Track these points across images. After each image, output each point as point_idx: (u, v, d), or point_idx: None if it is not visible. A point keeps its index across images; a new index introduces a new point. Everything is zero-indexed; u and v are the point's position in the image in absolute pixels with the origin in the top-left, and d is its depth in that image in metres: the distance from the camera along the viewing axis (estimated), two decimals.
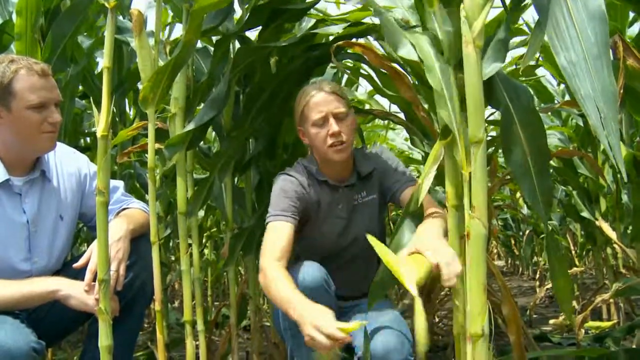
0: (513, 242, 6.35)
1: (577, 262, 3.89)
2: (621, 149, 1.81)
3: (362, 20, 2.14)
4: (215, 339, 2.99)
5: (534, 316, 3.72)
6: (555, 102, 3.12)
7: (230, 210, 2.44)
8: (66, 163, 2.01)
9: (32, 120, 1.75)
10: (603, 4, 1.28)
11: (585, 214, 3.15)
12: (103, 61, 1.64)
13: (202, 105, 2.16)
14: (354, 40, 2.14)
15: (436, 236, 1.61)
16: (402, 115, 2.54)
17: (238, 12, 2.32)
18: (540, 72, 3.07)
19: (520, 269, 6.30)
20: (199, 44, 2.47)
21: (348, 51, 2.38)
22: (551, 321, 3.47)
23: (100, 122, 1.57)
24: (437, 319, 3.06)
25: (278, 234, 1.84)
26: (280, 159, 2.57)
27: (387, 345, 1.76)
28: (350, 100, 2.56)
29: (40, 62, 1.79)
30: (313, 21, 2.28)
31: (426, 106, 1.95)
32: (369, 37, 2.26)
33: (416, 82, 1.95)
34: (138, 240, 1.95)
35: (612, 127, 1.25)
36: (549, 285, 3.37)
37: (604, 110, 1.26)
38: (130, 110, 3.41)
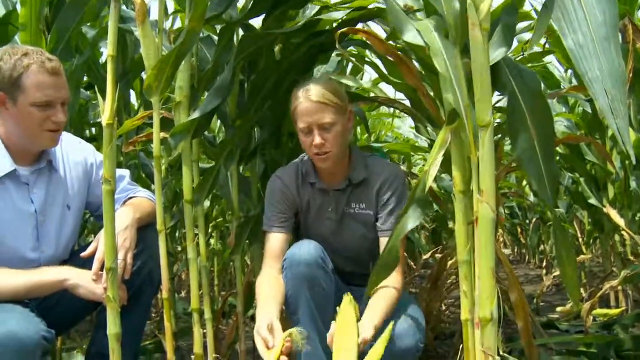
0: (520, 230, 6.33)
1: (584, 250, 3.87)
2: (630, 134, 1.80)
3: (366, 6, 2.12)
4: (223, 328, 2.99)
5: (541, 304, 3.71)
6: (562, 88, 3.09)
7: (236, 199, 2.44)
8: (73, 153, 2.01)
9: (35, 117, 1.76)
10: None
11: (593, 201, 3.13)
12: (107, 50, 1.63)
13: (207, 94, 2.16)
14: (358, 26, 2.12)
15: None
16: (407, 103, 2.53)
17: (242, 0, 2.31)
18: (547, 58, 3.03)
19: (527, 258, 6.29)
20: (203, 33, 2.45)
21: (353, 38, 2.37)
22: (558, 309, 3.46)
23: (106, 111, 1.57)
24: (444, 307, 3.05)
25: (269, 245, 2.01)
26: (286, 148, 2.56)
27: (398, 329, 1.78)
28: (356, 88, 2.56)
29: (54, 59, 1.79)
30: (317, 8, 2.27)
31: (432, 94, 1.94)
32: (372, 21, 2.24)
33: (421, 70, 1.94)
34: (145, 229, 1.96)
35: (620, 110, 1.24)
36: (556, 274, 3.37)
37: (612, 93, 1.25)
38: (134, 101, 3.41)
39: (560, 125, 3.37)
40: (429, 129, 2.75)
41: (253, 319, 2.94)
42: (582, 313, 2.54)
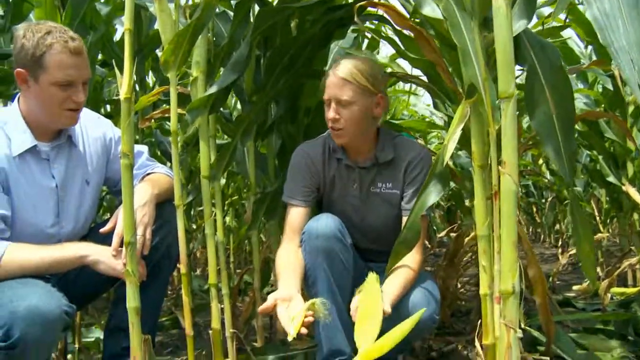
0: (535, 209, 6.29)
1: (601, 229, 3.84)
2: None
3: None
4: (239, 305, 3.01)
5: (557, 282, 3.70)
6: (582, 64, 3.04)
7: (253, 175, 2.44)
8: (91, 128, 2.01)
9: (55, 96, 1.75)
10: None
11: (611, 179, 3.09)
12: (124, 24, 1.62)
13: (224, 69, 2.15)
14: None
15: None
16: (424, 79, 2.50)
17: None
18: (567, 33, 2.98)
19: (542, 237, 6.26)
20: (219, 9, 2.44)
21: (370, 13, 2.34)
22: (574, 287, 3.45)
23: (123, 85, 1.56)
24: (459, 285, 3.05)
25: (290, 218, 2.01)
26: (302, 124, 2.55)
27: (414, 302, 1.78)
28: None
29: (76, 37, 1.77)
30: None
31: (450, 69, 1.92)
32: None
33: (439, 45, 1.91)
34: (163, 205, 1.96)
35: None
36: (572, 252, 3.34)
37: (638, 63, 1.22)
38: (148, 79, 3.40)
39: (579, 102, 3.32)
40: (446, 105, 2.72)
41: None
42: (600, 291, 2.53)
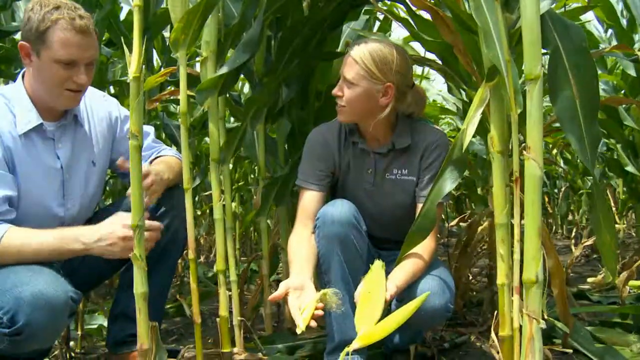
0: (547, 199, 6.21)
1: (617, 220, 3.77)
2: None
3: None
4: (246, 293, 2.96)
5: (571, 275, 3.64)
6: (600, 48, 2.96)
7: (262, 159, 2.38)
8: (96, 107, 1.96)
9: (56, 74, 1.69)
10: None
11: (630, 168, 3.02)
12: (134, 0, 1.56)
13: (233, 50, 2.09)
14: None
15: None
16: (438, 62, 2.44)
17: None
18: (586, 16, 2.91)
19: (554, 228, 6.18)
20: None
21: None
22: (589, 279, 3.39)
23: (132, 63, 1.51)
24: (470, 276, 2.99)
25: (303, 202, 1.95)
26: (313, 108, 2.49)
27: (427, 289, 1.74)
28: None
29: (86, 16, 1.71)
30: None
31: None
32: None
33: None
34: (171, 189, 1.92)
35: None
36: (587, 243, 3.28)
37: None
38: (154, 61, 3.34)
39: None
40: (460, 90, 2.66)
41: (279, 282, 2.93)
42: (618, 283, 2.47)
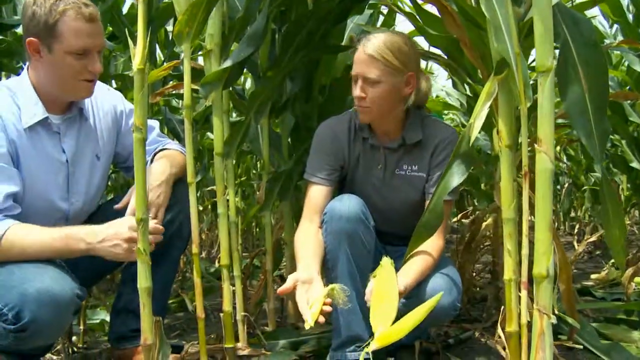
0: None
1: None
2: None
3: None
4: (249, 289, 2.95)
5: (574, 271, 3.62)
6: (605, 43, 2.94)
7: (266, 153, 2.37)
8: (101, 101, 1.94)
9: (71, 66, 1.67)
10: None
11: (634, 164, 3.01)
12: None
13: (237, 43, 2.07)
14: None
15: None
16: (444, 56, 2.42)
17: None
18: (591, 12, 2.90)
19: (557, 224, 6.16)
20: None
21: None
22: (593, 276, 3.37)
23: (137, 55, 1.48)
24: (474, 273, 2.98)
25: (310, 196, 1.92)
26: (317, 102, 2.48)
27: (435, 287, 1.72)
28: None
29: (90, 3, 1.69)
30: None
31: None
32: None
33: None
34: (176, 183, 1.90)
35: None
36: (590, 240, 3.26)
37: None
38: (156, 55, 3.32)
39: None
40: (465, 85, 2.64)
41: (282, 278, 2.92)
42: (624, 279, 2.46)
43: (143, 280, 1.47)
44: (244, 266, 2.63)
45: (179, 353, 2.02)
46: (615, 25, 3.18)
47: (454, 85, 2.96)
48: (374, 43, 1.78)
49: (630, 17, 3.05)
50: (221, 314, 1.97)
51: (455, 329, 2.35)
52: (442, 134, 1.93)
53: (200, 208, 4.34)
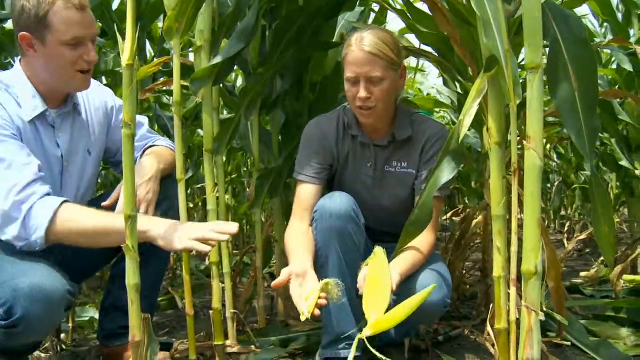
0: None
1: None
2: None
3: None
4: (239, 287, 2.94)
5: (564, 269, 3.64)
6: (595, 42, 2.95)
7: (257, 150, 2.36)
8: (92, 96, 1.93)
9: (66, 56, 1.66)
10: None
11: (623, 163, 3.02)
12: None
13: (227, 40, 2.06)
14: None
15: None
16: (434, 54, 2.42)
17: None
18: (581, 11, 2.91)
19: (547, 222, 6.18)
20: None
21: None
22: (582, 273, 3.39)
23: (125, 51, 1.46)
24: (464, 271, 2.99)
25: (300, 195, 1.92)
26: (307, 99, 2.47)
27: (425, 283, 1.72)
28: None
29: None
30: None
31: None
32: None
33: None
34: (165, 179, 1.89)
35: None
36: (580, 238, 3.28)
37: None
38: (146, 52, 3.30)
39: None
40: (456, 82, 2.64)
41: (272, 275, 2.91)
42: (612, 277, 2.47)
43: (131, 277, 1.46)
44: (234, 264, 2.62)
45: (168, 350, 2.02)
46: (606, 24, 3.19)
47: (445, 83, 2.96)
48: (371, 40, 1.76)
49: (619, 16, 3.06)
50: (211, 312, 1.97)
51: (445, 326, 2.35)
52: (432, 130, 1.93)
53: (191, 205, 4.32)
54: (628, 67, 2.88)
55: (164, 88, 2.73)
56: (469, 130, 2.92)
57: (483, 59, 1.55)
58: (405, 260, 1.73)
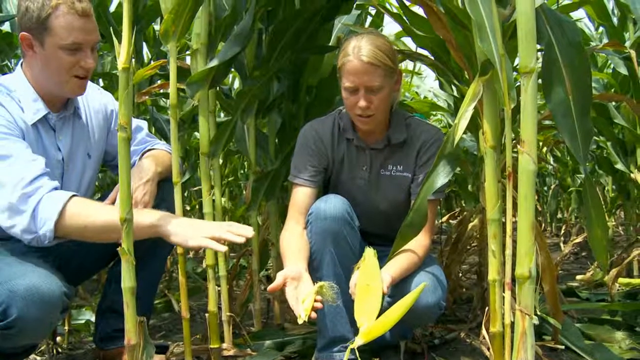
0: (536, 197, 6.23)
1: (606, 218, 3.77)
2: None
3: None
4: (235, 290, 2.94)
5: (560, 272, 3.64)
6: (592, 46, 2.97)
7: (253, 153, 2.36)
8: (92, 100, 1.94)
9: (63, 61, 1.67)
10: None
11: (619, 166, 3.03)
12: None
13: (224, 43, 2.07)
14: None
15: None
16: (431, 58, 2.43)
17: None
18: (578, 14, 2.93)
19: (543, 225, 6.20)
20: None
21: None
22: (578, 277, 3.39)
23: (122, 54, 1.46)
24: (460, 274, 2.99)
25: (295, 198, 1.92)
26: (304, 103, 2.48)
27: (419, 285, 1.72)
28: None
29: None
30: None
31: None
32: None
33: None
34: (163, 183, 1.90)
35: None
36: (576, 241, 3.28)
37: None
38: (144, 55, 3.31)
39: None
40: (452, 85, 2.65)
41: (268, 278, 2.91)
42: (608, 280, 2.48)
43: (127, 280, 1.46)
44: (230, 266, 2.62)
45: (164, 353, 2.02)
46: (601, 28, 3.20)
47: (441, 86, 2.97)
48: (369, 50, 1.75)
49: (615, 20, 3.07)
50: (207, 315, 1.97)
51: (441, 329, 2.35)
52: (427, 133, 1.93)
53: (188, 208, 4.33)
54: (623, 70, 2.88)
55: (161, 91, 2.73)
56: (465, 133, 2.93)
57: (478, 63, 1.56)
58: (399, 262, 1.73)
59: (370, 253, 1.60)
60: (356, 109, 1.80)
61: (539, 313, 1.33)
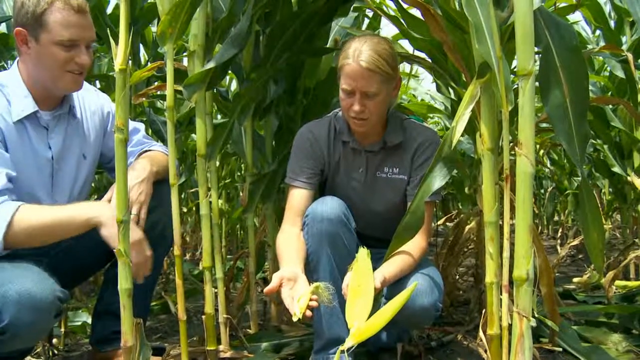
0: (533, 200, 6.23)
1: (603, 221, 3.78)
2: None
3: None
4: (232, 292, 2.94)
5: (557, 274, 3.65)
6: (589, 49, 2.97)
7: (250, 155, 2.36)
8: (89, 100, 1.94)
9: (58, 57, 1.67)
10: None
11: (616, 169, 3.03)
12: None
13: (222, 44, 2.06)
14: None
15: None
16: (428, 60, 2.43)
17: None
18: (575, 17, 2.94)
19: (540, 228, 6.21)
20: None
21: None
22: (575, 279, 3.40)
23: (118, 55, 1.47)
24: (457, 276, 2.99)
25: (291, 200, 1.92)
26: (301, 105, 2.48)
27: (416, 288, 1.72)
28: None
29: None
30: None
31: None
32: None
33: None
34: (159, 184, 1.89)
35: None
36: (573, 243, 3.29)
37: None
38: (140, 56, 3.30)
39: None
40: (449, 88, 2.65)
41: (265, 280, 2.91)
42: (604, 282, 2.48)
43: (123, 282, 1.46)
44: (227, 268, 2.62)
45: (161, 355, 2.01)
46: (598, 31, 3.21)
47: (439, 89, 2.97)
48: (369, 56, 1.74)
49: (612, 23, 3.08)
50: (203, 317, 1.96)
51: (438, 332, 2.35)
52: (423, 136, 1.93)
53: (185, 210, 4.32)
54: (620, 73, 2.89)
55: (158, 92, 2.72)
56: (463, 135, 2.93)
57: (476, 66, 1.56)
58: (394, 263, 1.74)
59: (363, 254, 1.59)
60: (351, 111, 1.80)
61: (536, 315, 1.32)
